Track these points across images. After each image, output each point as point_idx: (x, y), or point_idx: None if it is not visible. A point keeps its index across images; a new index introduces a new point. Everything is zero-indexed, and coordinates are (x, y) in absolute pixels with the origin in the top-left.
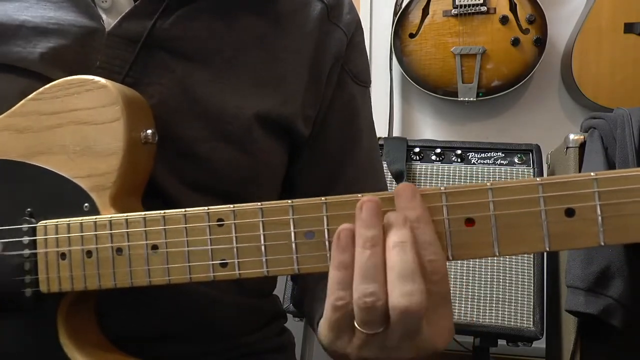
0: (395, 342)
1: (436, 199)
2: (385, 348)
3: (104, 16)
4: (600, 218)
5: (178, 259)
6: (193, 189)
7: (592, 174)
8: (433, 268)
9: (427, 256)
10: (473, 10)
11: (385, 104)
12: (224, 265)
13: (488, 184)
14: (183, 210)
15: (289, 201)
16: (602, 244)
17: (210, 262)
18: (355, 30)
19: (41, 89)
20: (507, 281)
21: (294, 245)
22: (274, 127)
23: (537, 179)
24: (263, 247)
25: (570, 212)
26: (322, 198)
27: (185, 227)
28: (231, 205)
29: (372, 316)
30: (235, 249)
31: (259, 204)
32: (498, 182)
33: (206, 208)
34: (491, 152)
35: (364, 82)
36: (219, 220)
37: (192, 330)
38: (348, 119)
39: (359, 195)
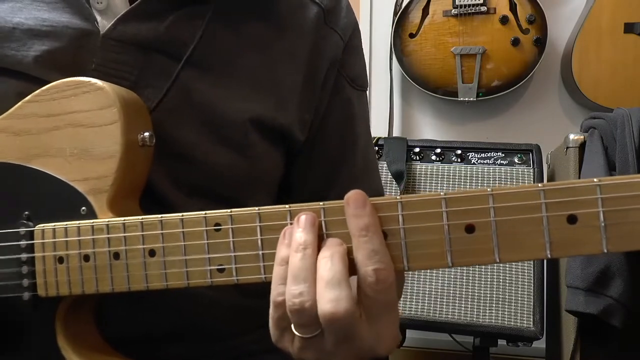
0: (331, 346)
1: (436, 204)
2: (323, 352)
3: (98, 17)
4: (603, 225)
5: (175, 264)
6: (190, 192)
7: (595, 179)
8: (378, 276)
9: (373, 265)
10: (473, 10)
11: (385, 104)
12: (221, 270)
13: (489, 189)
14: (180, 214)
15: (287, 206)
16: (605, 251)
17: (208, 268)
18: (352, 34)
19: (38, 91)
20: (507, 281)
21: None
22: (269, 131)
23: (539, 184)
24: (261, 253)
25: (572, 219)
26: (320, 203)
27: (183, 231)
28: (228, 210)
29: (302, 319)
30: (232, 255)
31: (256, 208)
32: (499, 187)
33: (203, 213)
34: (491, 152)
35: (361, 86)
36: (216, 225)
37: (191, 331)
38: (345, 124)
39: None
